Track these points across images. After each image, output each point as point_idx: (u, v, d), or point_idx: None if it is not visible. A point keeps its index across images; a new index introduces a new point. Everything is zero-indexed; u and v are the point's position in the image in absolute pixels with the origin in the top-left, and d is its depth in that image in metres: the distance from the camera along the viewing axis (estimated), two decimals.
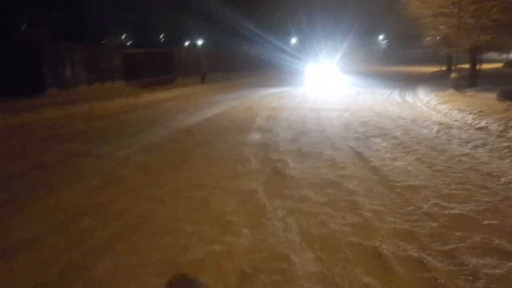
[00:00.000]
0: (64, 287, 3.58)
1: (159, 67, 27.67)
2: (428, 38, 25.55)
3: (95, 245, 4.36)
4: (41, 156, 8.46)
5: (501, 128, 9.91)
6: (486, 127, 10.38)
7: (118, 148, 8.99)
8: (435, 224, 4.70)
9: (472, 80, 20.80)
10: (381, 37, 67.72)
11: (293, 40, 48.59)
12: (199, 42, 41.94)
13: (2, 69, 19.20)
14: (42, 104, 15.52)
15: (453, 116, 12.49)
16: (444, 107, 14.06)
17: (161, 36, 44.31)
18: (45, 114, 14.14)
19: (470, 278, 3.60)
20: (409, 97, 18.59)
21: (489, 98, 15.08)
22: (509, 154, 7.75)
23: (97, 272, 3.80)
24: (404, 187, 5.99)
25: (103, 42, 32.03)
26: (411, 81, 26.80)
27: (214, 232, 4.61)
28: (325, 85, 24.68)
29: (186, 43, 42.94)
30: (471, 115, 11.64)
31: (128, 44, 40.05)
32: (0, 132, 11.33)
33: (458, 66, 21.78)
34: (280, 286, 3.52)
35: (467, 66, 22.70)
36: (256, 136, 10.03)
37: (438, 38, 22.70)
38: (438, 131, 10.18)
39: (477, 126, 10.63)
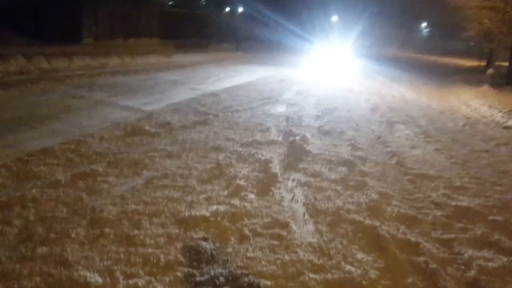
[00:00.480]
0: (72, 223, 3.75)
1: (196, 30, 27.67)
2: (471, 31, 24.82)
3: (106, 190, 4.54)
4: (69, 101, 8.73)
5: None
6: None
7: (144, 103, 9.20)
8: (439, 213, 4.73)
9: (509, 78, 20.26)
10: (423, 24, 65.69)
11: (329, 21, 47.32)
12: (240, 10, 41.51)
13: (43, 15, 19.62)
14: (77, 52, 15.78)
15: (482, 112, 12.27)
16: (475, 102, 13.81)
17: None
18: (79, 62, 14.40)
19: (463, 267, 3.66)
20: (442, 89, 18.27)
21: None
22: None
23: (104, 214, 3.97)
24: (417, 175, 6.00)
25: None
26: (447, 73, 26.21)
27: (222, 193, 4.73)
28: (358, 70, 24.25)
29: (227, 9, 42.56)
30: (500, 113, 11.43)
31: (170, 3, 39.91)
32: (34, 74, 11.64)
33: (498, 63, 21.20)
34: (275, 251, 3.63)
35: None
36: (281, 109, 10.08)
37: (480, 31, 22.05)
38: (464, 125, 10.05)
39: (505, 124, 10.44)
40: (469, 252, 3.90)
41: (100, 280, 3.02)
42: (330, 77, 19.23)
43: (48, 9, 19.91)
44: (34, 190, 4.34)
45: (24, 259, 3.17)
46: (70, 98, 9.19)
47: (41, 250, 3.31)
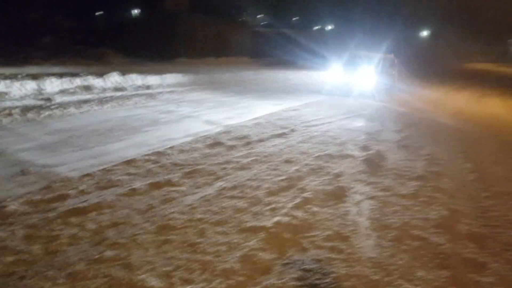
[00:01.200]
0: (141, 229, 4.00)
1: (283, 48, 28.09)
2: None
3: (177, 199, 4.76)
4: (157, 115, 9.26)
5: None
6: None
7: (226, 118, 9.59)
8: None
9: None
10: None
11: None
12: (328, 28, 41.51)
13: (140, 36, 21.01)
14: (169, 70, 16.62)
15: None
16: None
17: (293, 19, 44.48)
18: (170, 79, 15.16)
19: None
20: None
21: None
22: None
23: (172, 222, 4.18)
24: (497, 192, 5.69)
25: (240, 20, 32.93)
26: None
27: (287, 205, 4.78)
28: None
29: (316, 27, 42.71)
30: None
31: (262, 23, 40.87)
32: (128, 91, 12.46)
33: None
34: (332, 264, 3.62)
35: None
36: (359, 123, 9.96)
37: None
38: None
39: None
40: None
41: (158, 284, 3.19)
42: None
43: (147, 31, 21.28)
44: (111, 198, 4.67)
45: (92, 262, 3.42)
46: (158, 113, 9.73)
47: (109, 253, 3.56)
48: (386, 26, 35.07)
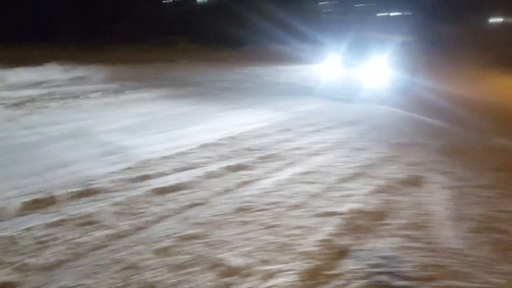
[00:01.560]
0: (220, 211, 4.14)
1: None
2: None
3: (253, 182, 4.89)
4: (223, 102, 9.40)
5: None
6: None
7: (294, 105, 9.57)
8: None
9: None
10: None
11: None
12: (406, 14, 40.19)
13: (209, 23, 21.51)
14: (231, 56, 16.99)
15: None
16: None
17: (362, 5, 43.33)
18: (235, 67, 15.47)
19: None
20: None
21: None
22: None
23: (250, 205, 4.30)
24: None
25: (308, 6, 32.47)
26: None
27: (361, 192, 4.77)
28: None
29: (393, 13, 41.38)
30: None
31: (332, 10, 40.08)
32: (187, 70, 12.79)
33: None
34: (409, 252, 3.58)
35: None
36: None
37: None
38: None
39: None
40: None
41: (239, 263, 3.30)
42: None
43: (212, 18, 21.72)
44: (190, 179, 4.86)
45: (176, 239, 3.58)
46: (229, 99, 9.92)
47: (191, 232, 3.69)
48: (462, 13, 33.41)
